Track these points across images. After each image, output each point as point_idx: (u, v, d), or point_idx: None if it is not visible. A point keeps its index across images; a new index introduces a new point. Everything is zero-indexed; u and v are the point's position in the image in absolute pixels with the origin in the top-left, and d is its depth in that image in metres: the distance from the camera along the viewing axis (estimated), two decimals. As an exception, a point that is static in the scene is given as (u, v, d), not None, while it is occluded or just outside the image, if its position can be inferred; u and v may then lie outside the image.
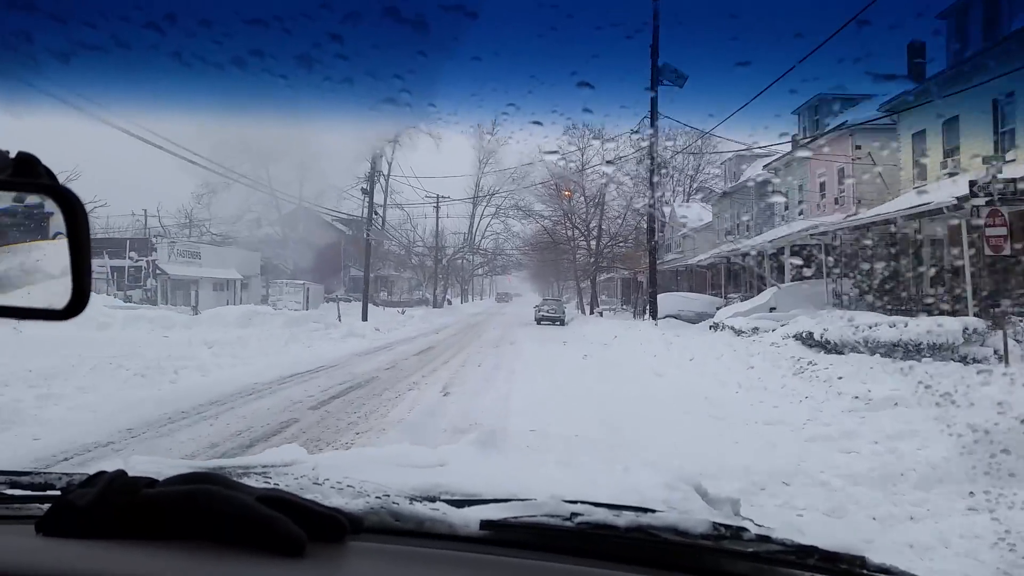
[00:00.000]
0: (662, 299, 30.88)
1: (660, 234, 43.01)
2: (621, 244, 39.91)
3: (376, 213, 38.01)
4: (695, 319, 30.03)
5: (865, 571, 1.17)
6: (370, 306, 50.18)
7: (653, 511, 1.34)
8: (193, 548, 1.02)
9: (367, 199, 35.49)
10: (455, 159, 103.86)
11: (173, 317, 27.02)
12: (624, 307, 47.69)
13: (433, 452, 2.24)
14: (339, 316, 32.37)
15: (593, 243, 39.87)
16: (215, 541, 1.03)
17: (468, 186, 63.06)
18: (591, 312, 43.23)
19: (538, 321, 41.39)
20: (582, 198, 39.97)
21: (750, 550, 1.19)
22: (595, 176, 39.86)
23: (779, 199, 30.72)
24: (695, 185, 45.37)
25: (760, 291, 27.01)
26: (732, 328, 19.47)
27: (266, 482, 1.47)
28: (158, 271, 37.11)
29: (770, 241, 24.19)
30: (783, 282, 23.77)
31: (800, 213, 28.44)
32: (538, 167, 42.05)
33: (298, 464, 1.88)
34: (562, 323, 40.65)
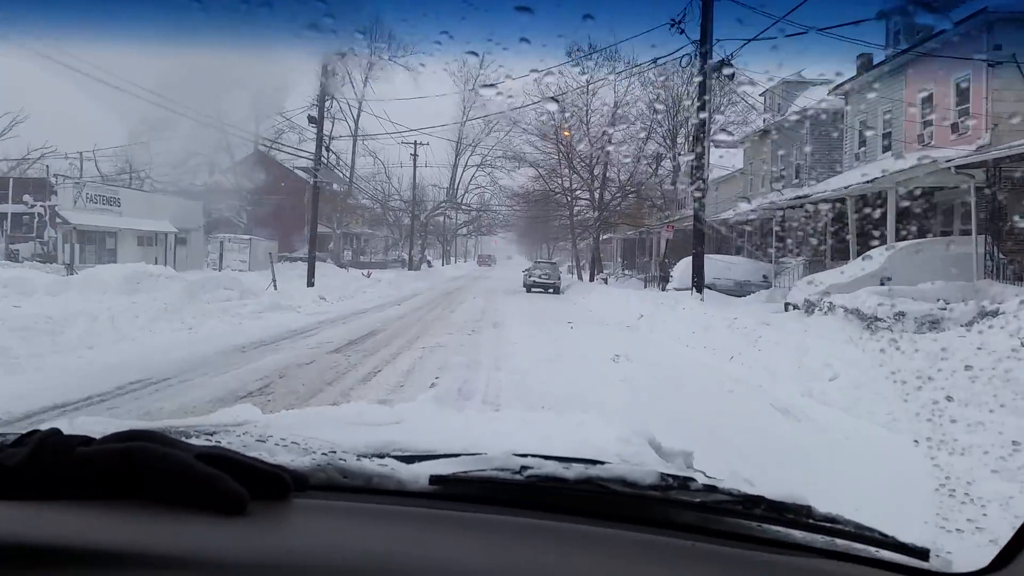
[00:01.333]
0: (686, 263, 23.33)
1: (672, 187, 35.37)
2: (631, 194, 32.18)
3: (328, 148, 29.97)
4: (737, 290, 22.57)
5: (811, 520, 1.16)
6: (331, 268, 42.43)
7: (603, 463, 1.29)
8: (129, 507, 0.97)
9: (317, 131, 27.46)
10: (438, 107, 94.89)
11: (35, 279, 19.23)
12: (626, 272, 40.15)
13: (391, 410, 2.15)
14: (274, 281, 24.56)
15: (597, 194, 32.09)
16: (152, 500, 0.99)
17: (452, 135, 54.86)
18: (591, 278, 35.70)
19: (528, 288, 33.86)
20: (585, 140, 32.14)
21: (697, 500, 1.18)
22: (601, 113, 32.06)
23: (849, 132, 23.01)
24: (716, 128, 37.35)
25: (835, 255, 19.46)
26: (844, 309, 11.86)
27: (207, 440, 1.37)
28: (58, 220, 29.02)
29: (869, 181, 16.48)
30: (885, 242, 16.13)
31: (888, 150, 20.73)
32: (530, 110, 34.11)
33: (250, 424, 1.80)
34: (557, 291, 33.14)
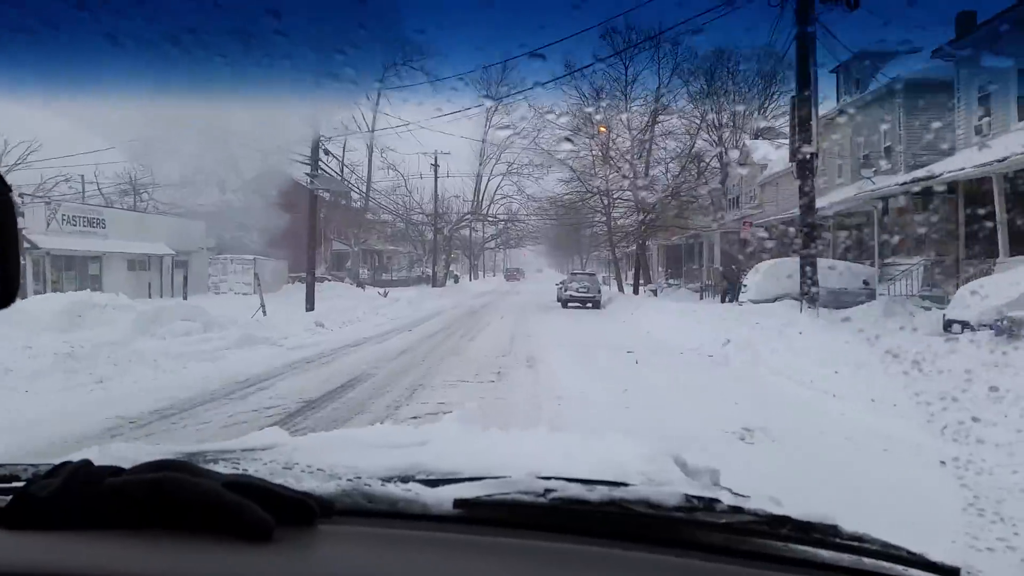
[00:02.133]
0: (768, 268, 18.60)
1: (720, 185, 30.54)
2: (678, 194, 27.44)
3: (329, 153, 25.75)
4: (831, 300, 17.70)
5: (838, 539, 1.14)
6: (345, 288, 38.24)
7: (627, 485, 1.26)
8: (158, 537, 0.98)
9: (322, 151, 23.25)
10: (458, 123, 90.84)
11: (-44, 315, 15.03)
12: (671, 282, 35.32)
13: (416, 431, 2.10)
14: (262, 306, 20.24)
15: (642, 194, 27.36)
16: (181, 529, 0.99)
17: (474, 146, 50.53)
18: (635, 290, 30.94)
19: (564, 303, 29.20)
20: (625, 134, 27.48)
21: (723, 521, 1.16)
22: (643, 100, 27.46)
23: (963, 101, 18.13)
24: (764, 116, 32.45)
25: (974, 252, 14.64)
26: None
27: (235, 468, 1.38)
28: (26, 244, 25.02)
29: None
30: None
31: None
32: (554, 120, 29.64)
33: (277, 447, 1.74)
34: (597, 305, 28.44)
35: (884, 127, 22.02)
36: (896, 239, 17.84)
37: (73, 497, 1.01)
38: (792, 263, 18.77)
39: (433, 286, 46.69)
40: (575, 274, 30.34)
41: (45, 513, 1.01)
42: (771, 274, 17.95)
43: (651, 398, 8.17)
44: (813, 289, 17.07)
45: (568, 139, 26.27)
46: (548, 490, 1.20)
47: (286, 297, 32.38)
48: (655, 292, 26.38)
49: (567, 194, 30.65)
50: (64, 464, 1.09)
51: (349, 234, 45.16)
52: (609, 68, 27.05)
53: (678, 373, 10.30)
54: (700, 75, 27.60)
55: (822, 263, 18.86)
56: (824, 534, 1.14)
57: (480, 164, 48.65)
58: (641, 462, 1.64)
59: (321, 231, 48.27)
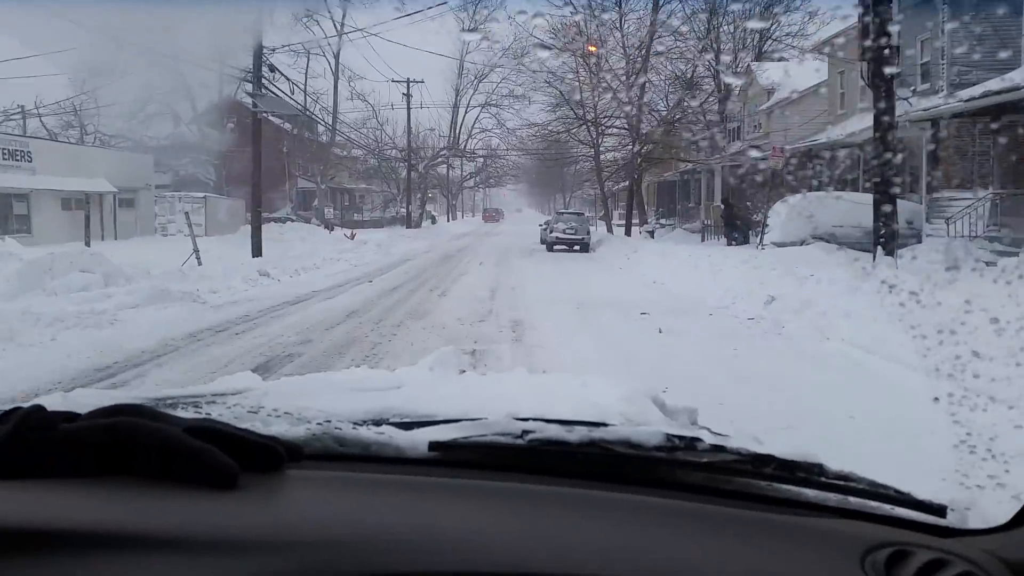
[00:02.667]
0: (795, 205, 15.72)
1: (718, 115, 27.33)
2: (677, 122, 24.21)
3: (275, 70, 22.16)
4: (867, 241, 14.93)
5: (823, 478, 1.10)
6: (309, 229, 34.91)
7: (607, 425, 1.24)
8: (115, 485, 0.93)
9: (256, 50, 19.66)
10: (435, 39, 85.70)
11: None
12: (663, 222, 32.33)
13: (391, 375, 1.99)
14: (195, 252, 17.08)
15: (636, 121, 24.01)
16: (140, 476, 0.95)
17: (450, 75, 46.47)
18: (628, 231, 27.90)
19: (549, 247, 26.19)
20: (618, 53, 24.01)
21: (704, 460, 1.12)
22: (640, 12, 24.02)
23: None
24: (767, 42, 29.02)
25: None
26: None
27: (197, 412, 1.31)
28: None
29: None
30: None
31: None
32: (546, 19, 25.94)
33: (247, 392, 1.66)
34: (586, 248, 25.46)
35: (923, 37, 18.84)
36: (948, 170, 14.90)
37: (24, 444, 0.95)
38: (821, 199, 15.84)
39: (407, 227, 43.40)
40: (561, 214, 27.19)
41: None
42: (798, 212, 15.01)
43: (709, 401, 5.25)
44: (821, 228, 14.26)
45: (545, 46, 22.78)
46: (526, 431, 1.15)
47: (242, 239, 29.12)
48: (651, 234, 23.44)
49: (551, 121, 27.21)
50: (15, 410, 1.01)
51: (315, 171, 41.53)
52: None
53: (723, 348, 7.40)
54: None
55: (852, 197, 15.94)
56: (809, 473, 1.11)
57: (456, 94, 44.82)
58: (621, 403, 1.61)
59: (286, 167, 44.55)
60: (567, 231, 25.39)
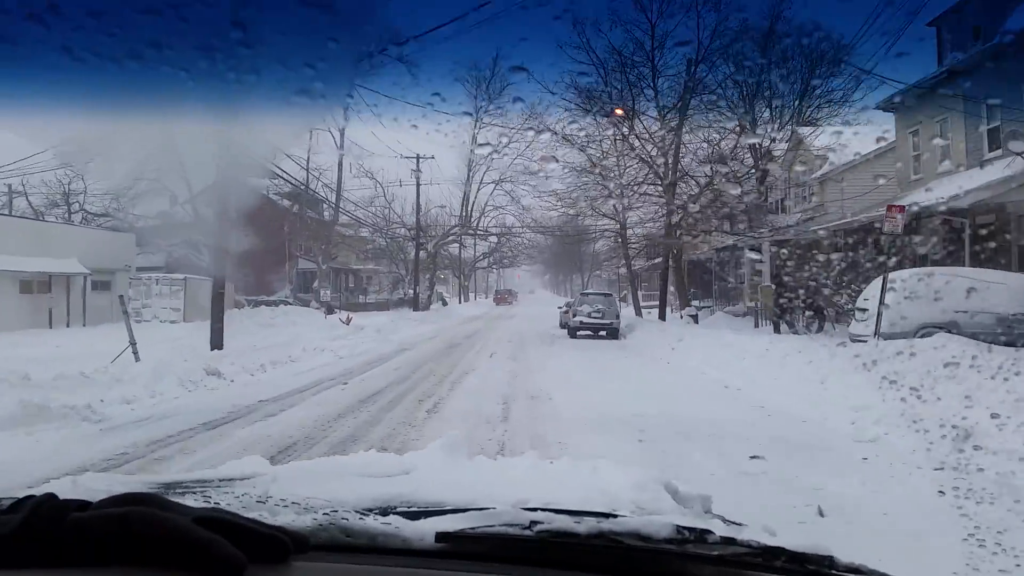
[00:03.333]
0: (910, 283, 12.03)
1: (756, 183, 23.88)
2: (724, 194, 20.72)
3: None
4: (1005, 333, 11.11)
5: (834, 571, 1.11)
6: (305, 312, 31.44)
7: (616, 516, 1.24)
8: (126, 574, 0.93)
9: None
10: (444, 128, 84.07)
11: None
12: (693, 304, 28.54)
13: (400, 459, 2.01)
14: (132, 344, 13.49)
15: (671, 188, 20.48)
16: (149, 566, 0.94)
17: (461, 150, 43.86)
18: (662, 315, 24.09)
19: (572, 332, 22.41)
20: (650, 112, 20.78)
21: (715, 553, 1.10)
22: (673, 72, 21.03)
23: None
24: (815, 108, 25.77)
25: None
26: None
27: (207, 501, 1.32)
28: None
29: None
30: None
31: None
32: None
33: (255, 478, 1.68)
34: (615, 335, 21.67)
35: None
36: None
37: (36, 534, 0.95)
38: (944, 277, 12.06)
39: (415, 310, 39.85)
40: (586, 294, 23.46)
41: (6, 551, 0.95)
42: (912, 293, 11.26)
43: None
44: (941, 316, 10.69)
45: (573, 109, 19.59)
46: (534, 522, 1.14)
47: (228, 324, 25.62)
48: (695, 318, 19.65)
49: (573, 189, 23.78)
50: (28, 498, 1.02)
51: (317, 250, 38.38)
52: (631, 27, 20.42)
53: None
54: (745, 43, 21.08)
55: (978, 276, 12.19)
56: (819, 565, 1.10)
57: (468, 171, 41.96)
58: (631, 490, 1.57)
59: (286, 247, 41.50)
60: (593, 314, 21.65)
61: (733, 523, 1.32)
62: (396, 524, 1.14)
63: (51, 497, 0.99)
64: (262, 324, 27.39)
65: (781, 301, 17.40)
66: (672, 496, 1.63)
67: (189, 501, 1.20)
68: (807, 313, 15.62)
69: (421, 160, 38.89)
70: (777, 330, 17.13)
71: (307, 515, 1.16)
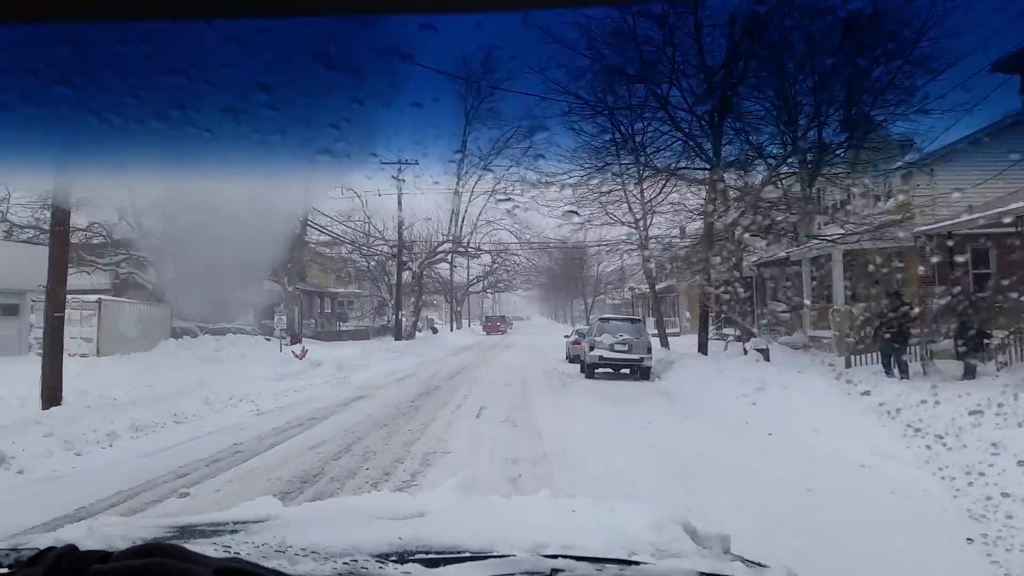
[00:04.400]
0: None
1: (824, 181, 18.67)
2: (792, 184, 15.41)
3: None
4: None
5: None
6: (255, 343, 25.99)
7: (637, 563, 1.19)
8: None
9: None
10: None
11: None
12: (724, 333, 23.15)
13: (413, 500, 1.97)
14: None
15: (730, 181, 15.10)
16: None
17: (449, 147, 38.55)
18: (702, 347, 18.62)
19: (589, 371, 16.97)
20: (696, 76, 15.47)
21: None
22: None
23: None
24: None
25: None
26: None
27: (226, 550, 1.31)
28: None
29: None
30: None
31: None
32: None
33: (270, 520, 1.65)
34: (646, 374, 16.27)
35: None
36: None
37: None
38: None
39: (397, 339, 34.39)
40: (609, 320, 17.76)
41: None
42: None
43: None
44: None
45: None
46: (555, 570, 1.12)
47: (153, 360, 20.23)
48: (764, 353, 14.19)
49: (581, 182, 18.42)
50: (48, 550, 1.02)
51: (281, 270, 32.97)
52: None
53: None
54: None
55: None
56: None
57: (458, 180, 36.57)
58: (650, 531, 1.55)
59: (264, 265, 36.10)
60: (618, 347, 16.18)
61: (755, 564, 1.27)
62: (415, 573, 1.12)
63: (72, 549, 0.98)
64: (203, 358, 21.97)
65: (887, 334, 11.99)
66: (691, 536, 1.58)
67: (208, 549, 1.17)
68: (961, 345, 10.24)
69: (403, 166, 33.60)
70: (890, 372, 11.76)
71: (326, 564, 1.15)
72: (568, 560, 1.14)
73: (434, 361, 24.38)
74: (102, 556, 0.99)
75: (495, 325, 58.06)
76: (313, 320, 37.51)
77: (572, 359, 22.79)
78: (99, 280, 33.21)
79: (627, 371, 16.84)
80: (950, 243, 13.54)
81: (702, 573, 1.10)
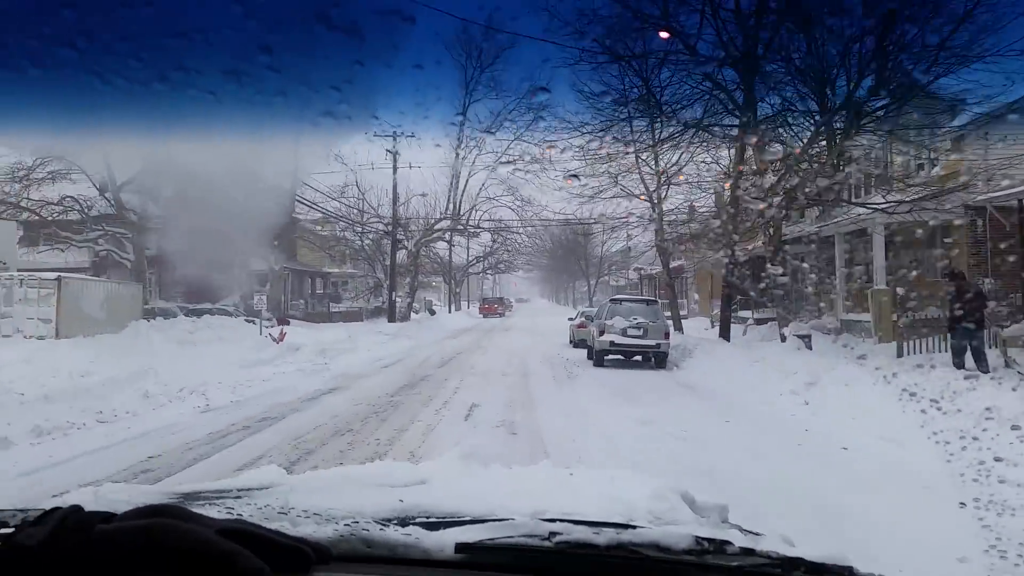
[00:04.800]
0: None
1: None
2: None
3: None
4: None
5: None
6: (237, 325, 24.01)
7: (635, 527, 1.21)
8: None
9: None
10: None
11: None
12: (739, 314, 21.14)
13: (416, 469, 1.97)
14: None
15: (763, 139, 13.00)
16: None
17: (449, 118, 36.20)
18: (723, 332, 16.58)
19: (598, 358, 14.98)
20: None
21: (734, 564, 1.08)
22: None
23: None
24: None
25: None
26: None
27: (229, 512, 1.32)
28: None
29: None
30: None
31: None
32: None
33: (273, 487, 1.67)
34: (662, 362, 14.31)
35: None
36: None
37: (62, 545, 0.94)
38: None
39: (391, 321, 32.46)
40: (621, 301, 15.47)
41: (32, 562, 0.94)
42: None
43: None
44: None
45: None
46: (553, 533, 1.13)
47: (123, 344, 18.24)
48: (806, 341, 12.14)
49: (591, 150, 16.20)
50: (54, 510, 1.01)
51: (267, 247, 30.95)
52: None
53: None
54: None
55: None
56: (839, 575, 1.07)
57: (457, 156, 34.37)
58: (649, 500, 1.56)
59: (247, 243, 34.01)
60: (631, 331, 14.17)
61: (751, 533, 1.29)
62: (416, 535, 1.13)
63: (77, 509, 0.99)
64: (176, 340, 20.03)
65: (965, 322, 9.91)
66: (689, 506, 1.60)
67: (211, 512, 1.16)
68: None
69: (399, 137, 31.53)
70: (961, 364, 9.74)
71: (328, 526, 1.16)
72: (566, 524, 1.14)
73: (427, 345, 22.43)
74: (106, 517, 1.00)
75: (493, 307, 53.58)
76: (303, 301, 35.52)
77: (577, 343, 20.83)
78: (77, 258, 31.39)
79: (638, 358, 14.84)
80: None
81: (699, 538, 1.09)
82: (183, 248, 30.00)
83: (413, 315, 39.20)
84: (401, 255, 36.66)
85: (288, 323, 28.52)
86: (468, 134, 32.89)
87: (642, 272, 47.73)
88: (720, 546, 1.11)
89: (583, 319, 21.02)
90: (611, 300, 16.04)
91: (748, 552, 1.10)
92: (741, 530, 1.32)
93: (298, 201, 33.09)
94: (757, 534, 1.28)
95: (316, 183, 34.44)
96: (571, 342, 21.55)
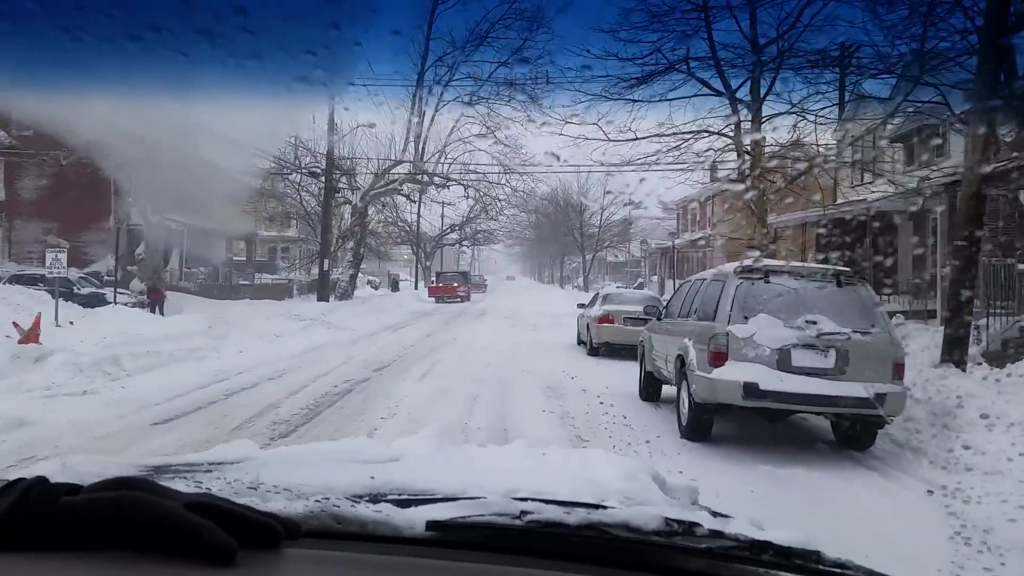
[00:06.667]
0: None
1: None
2: None
3: None
4: None
5: (821, 566, 1.09)
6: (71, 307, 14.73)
7: (606, 507, 1.20)
8: (115, 559, 0.91)
9: None
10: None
11: None
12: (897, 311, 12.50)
13: (388, 447, 1.97)
14: None
15: None
16: (140, 551, 0.92)
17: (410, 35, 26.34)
18: (957, 363, 7.64)
19: (701, 424, 5.88)
20: None
21: (703, 546, 1.09)
22: None
23: None
24: None
25: None
26: None
27: (198, 486, 1.29)
28: None
29: None
30: None
31: None
32: None
33: (245, 462, 1.61)
34: (871, 439, 5.31)
35: None
36: None
37: (26, 517, 0.93)
38: None
39: (321, 299, 23.16)
40: (748, 271, 5.74)
41: None
42: None
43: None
44: None
45: None
46: (524, 512, 1.12)
47: None
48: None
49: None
50: (18, 481, 0.99)
51: (143, 200, 21.44)
52: None
53: None
54: None
55: None
56: (806, 560, 1.08)
57: (419, 80, 24.60)
58: (621, 480, 1.57)
59: (110, 194, 24.45)
60: (810, 352, 5.08)
61: (721, 515, 1.29)
62: (387, 512, 1.12)
63: (42, 480, 0.98)
64: None
65: None
66: (660, 487, 1.60)
67: (180, 486, 1.14)
68: None
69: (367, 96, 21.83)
70: None
71: (299, 501, 1.13)
72: (537, 503, 1.14)
73: (353, 342, 13.51)
74: (72, 489, 0.98)
75: (451, 287, 34.31)
76: (208, 269, 25.98)
77: (594, 349, 12.00)
78: None
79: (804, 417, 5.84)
80: None
81: (669, 519, 1.10)
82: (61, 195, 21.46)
83: (361, 291, 29.90)
84: (348, 214, 27.38)
85: (164, 297, 19.29)
86: (435, 50, 23.33)
87: (648, 247, 38.77)
88: (689, 528, 1.11)
89: (606, 311, 12.05)
90: (722, 274, 6.24)
91: (717, 534, 1.11)
92: (711, 512, 1.31)
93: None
94: (726, 516, 1.28)
95: (228, 122, 24.92)
96: (587, 347, 12.67)
